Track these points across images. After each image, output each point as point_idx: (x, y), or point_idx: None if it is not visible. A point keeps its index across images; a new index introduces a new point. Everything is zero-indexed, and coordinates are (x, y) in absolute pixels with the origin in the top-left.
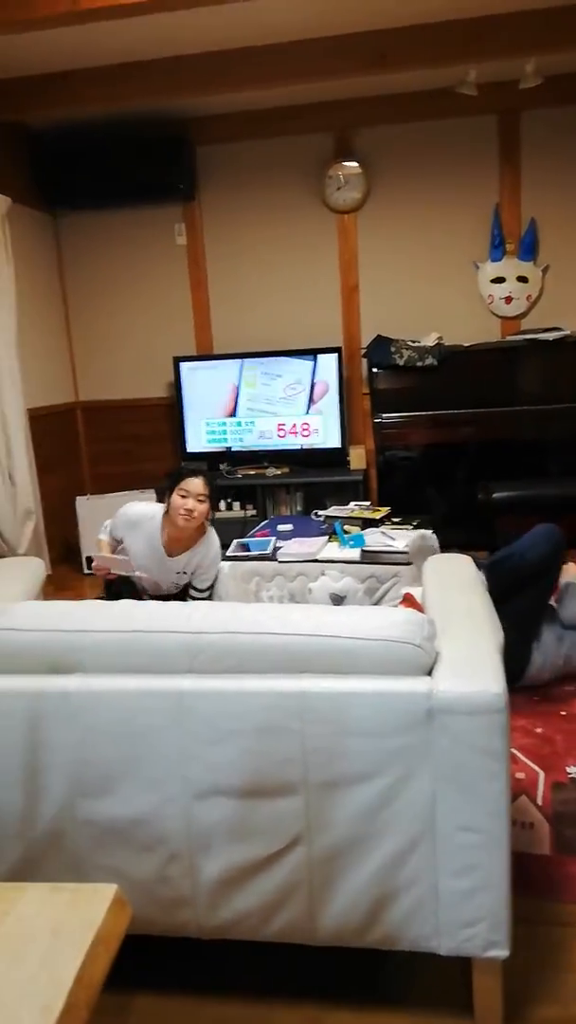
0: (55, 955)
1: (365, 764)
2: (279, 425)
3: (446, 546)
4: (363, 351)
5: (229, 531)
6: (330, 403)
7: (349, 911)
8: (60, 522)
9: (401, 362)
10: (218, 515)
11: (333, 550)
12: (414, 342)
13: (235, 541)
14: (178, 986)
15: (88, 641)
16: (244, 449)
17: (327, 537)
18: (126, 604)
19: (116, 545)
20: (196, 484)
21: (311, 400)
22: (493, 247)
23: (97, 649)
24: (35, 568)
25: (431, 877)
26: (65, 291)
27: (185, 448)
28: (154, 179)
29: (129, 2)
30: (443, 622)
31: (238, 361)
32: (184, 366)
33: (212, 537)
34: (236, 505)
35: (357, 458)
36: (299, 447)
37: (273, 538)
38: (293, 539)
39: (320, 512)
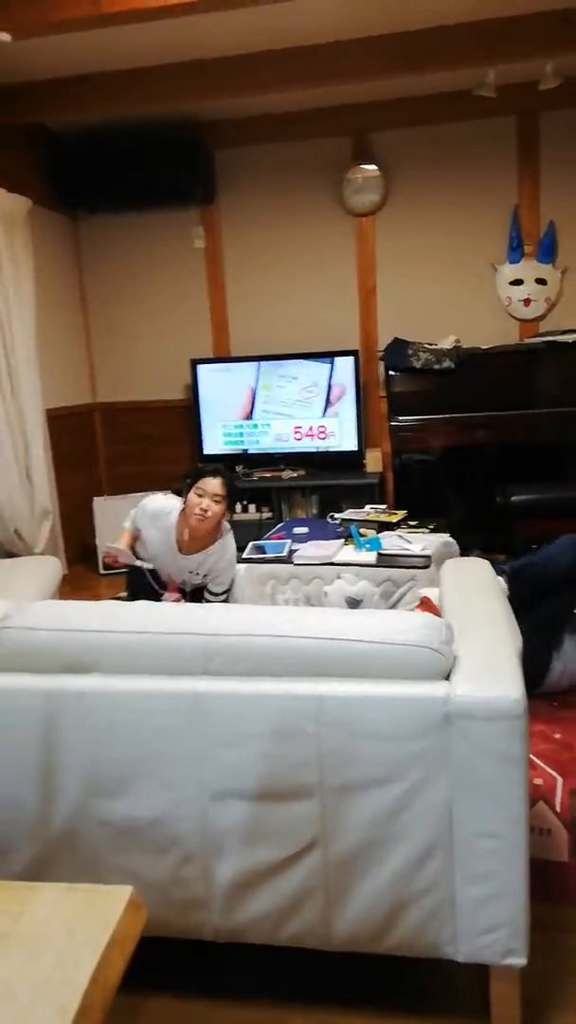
0: (70, 956)
1: (381, 769)
2: (295, 428)
3: (465, 549)
4: (380, 354)
5: (245, 533)
6: (347, 406)
7: (365, 916)
8: (77, 522)
9: (418, 365)
10: (233, 517)
11: (349, 553)
12: (431, 345)
13: (251, 543)
14: (191, 989)
15: (104, 641)
16: (260, 451)
17: (343, 540)
18: (142, 605)
19: (137, 535)
20: (213, 484)
21: (328, 403)
22: (511, 249)
23: (113, 650)
24: (52, 567)
25: (448, 883)
26: (84, 293)
27: (201, 450)
28: (173, 182)
29: (150, 6)
30: (461, 626)
31: (255, 363)
32: (201, 368)
33: (228, 541)
34: (252, 507)
35: (373, 461)
36: (315, 450)
37: (289, 541)
38: (309, 542)
39: (336, 515)
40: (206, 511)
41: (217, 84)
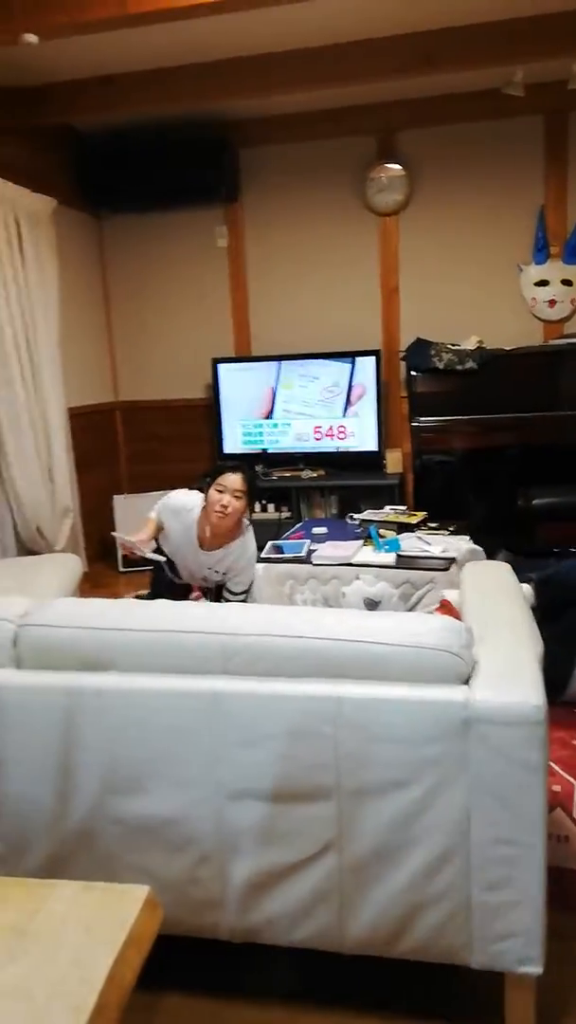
0: (87, 955)
1: (398, 772)
2: (315, 427)
3: (488, 552)
4: (402, 354)
5: (263, 533)
6: (367, 406)
7: (379, 920)
8: (97, 520)
9: (441, 365)
10: (252, 516)
11: (368, 554)
12: (454, 345)
13: (269, 543)
14: (207, 988)
15: (123, 639)
16: (280, 451)
17: (362, 541)
18: (162, 604)
19: (161, 527)
20: (233, 480)
21: (348, 403)
22: (537, 250)
23: (131, 648)
24: (72, 565)
25: (464, 889)
26: (107, 292)
27: (221, 449)
28: (197, 182)
29: (177, 5)
30: (481, 630)
31: (276, 363)
32: (222, 367)
33: (248, 539)
34: (271, 507)
35: (394, 462)
36: (335, 450)
37: (308, 541)
38: (328, 542)
39: (355, 515)
40: (226, 507)
41: (242, 83)
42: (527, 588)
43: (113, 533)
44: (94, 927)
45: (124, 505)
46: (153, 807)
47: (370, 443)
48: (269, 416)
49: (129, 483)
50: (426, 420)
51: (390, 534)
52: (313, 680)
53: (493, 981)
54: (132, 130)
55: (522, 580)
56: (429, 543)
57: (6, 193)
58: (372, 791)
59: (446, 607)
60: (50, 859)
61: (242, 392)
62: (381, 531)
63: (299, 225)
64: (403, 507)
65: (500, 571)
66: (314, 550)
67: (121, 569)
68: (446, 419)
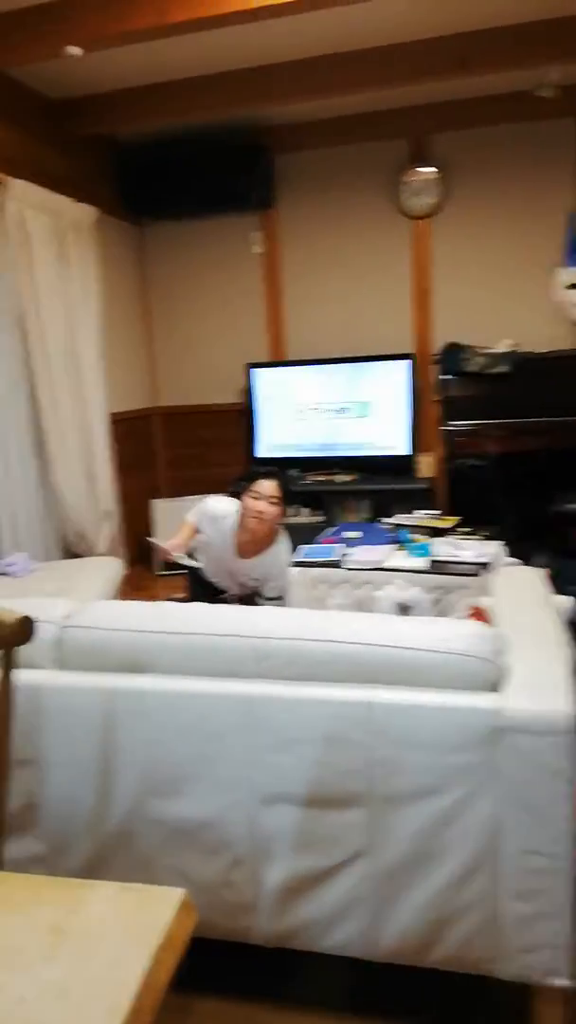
0: (123, 956)
1: (428, 779)
2: (349, 432)
3: (522, 558)
4: (435, 358)
5: (296, 536)
6: (400, 410)
7: (410, 929)
8: (136, 523)
9: (473, 369)
10: (285, 521)
11: (400, 559)
12: (487, 349)
13: (301, 546)
14: (241, 992)
15: (160, 642)
16: (313, 455)
17: (395, 545)
18: (197, 607)
19: (196, 532)
20: (268, 486)
21: (381, 407)
22: (570, 252)
23: (168, 650)
24: (113, 568)
25: (494, 899)
26: (147, 299)
27: (256, 453)
28: (233, 188)
29: (214, 14)
30: (513, 637)
31: (310, 367)
32: (257, 372)
33: (283, 546)
34: (304, 511)
35: (426, 466)
36: (368, 454)
37: (340, 545)
38: (360, 546)
39: (387, 520)
40: (262, 513)
41: (278, 89)
42: (568, 599)
43: (148, 538)
44: (130, 928)
45: (163, 509)
46: (189, 810)
47: (402, 447)
48: (303, 420)
49: (167, 487)
50: (458, 424)
51: (422, 539)
52: (345, 685)
53: (523, 993)
54: (170, 138)
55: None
56: (461, 548)
57: (50, 203)
58: (403, 798)
59: (478, 613)
60: (90, 859)
61: (277, 397)
62: (413, 536)
63: (333, 230)
64: (435, 511)
65: (532, 577)
66: (347, 554)
67: (159, 572)
68: (479, 423)
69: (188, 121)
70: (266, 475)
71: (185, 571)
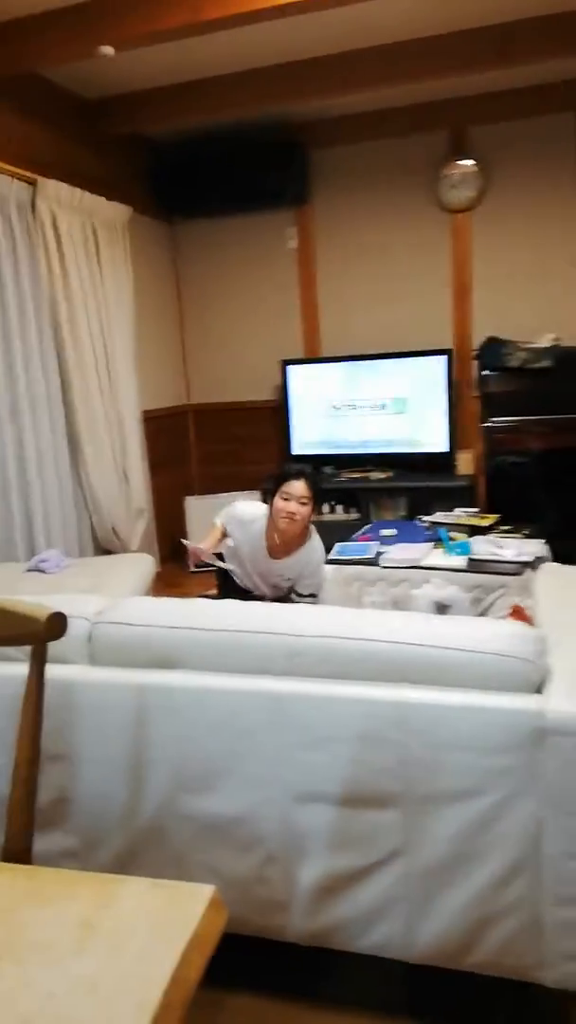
0: (152, 952)
1: (466, 781)
2: (385, 428)
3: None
4: (475, 353)
5: (331, 534)
6: (438, 406)
7: (448, 931)
8: (169, 520)
9: (515, 364)
10: (320, 518)
11: (438, 557)
12: (529, 343)
13: (337, 544)
14: (275, 990)
15: (191, 638)
16: (348, 452)
17: (432, 543)
18: (229, 604)
19: (225, 535)
20: (298, 487)
21: (419, 403)
22: None
23: (200, 646)
24: (145, 565)
25: (535, 904)
26: (180, 297)
27: (290, 450)
28: (268, 185)
29: (248, 9)
30: (556, 638)
31: (345, 363)
32: (291, 369)
33: (316, 543)
34: (339, 508)
35: (465, 463)
36: (404, 451)
37: (376, 543)
38: (396, 544)
39: (425, 517)
40: (293, 514)
41: (313, 84)
42: None
43: (182, 540)
44: (160, 924)
45: (195, 506)
46: (221, 805)
47: (441, 444)
48: (338, 417)
49: (200, 484)
50: (499, 420)
51: (461, 537)
52: (379, 684)
53: (564, 1000)
54: (203, 136)
55: None
56: (502, 547)
57: (84, 203)
58: (440, 799)
59: (518, 613)
60: (121, 854)
61: (311, 393)
62: (452, 534)
63: (369, 224)
64: (475, 509)
65: (575, 576)
66: (383, 552)
67: (192, 570)
68: (520, 419)
69: (221, 118)
70: (296, 475)
71: (214, 569)
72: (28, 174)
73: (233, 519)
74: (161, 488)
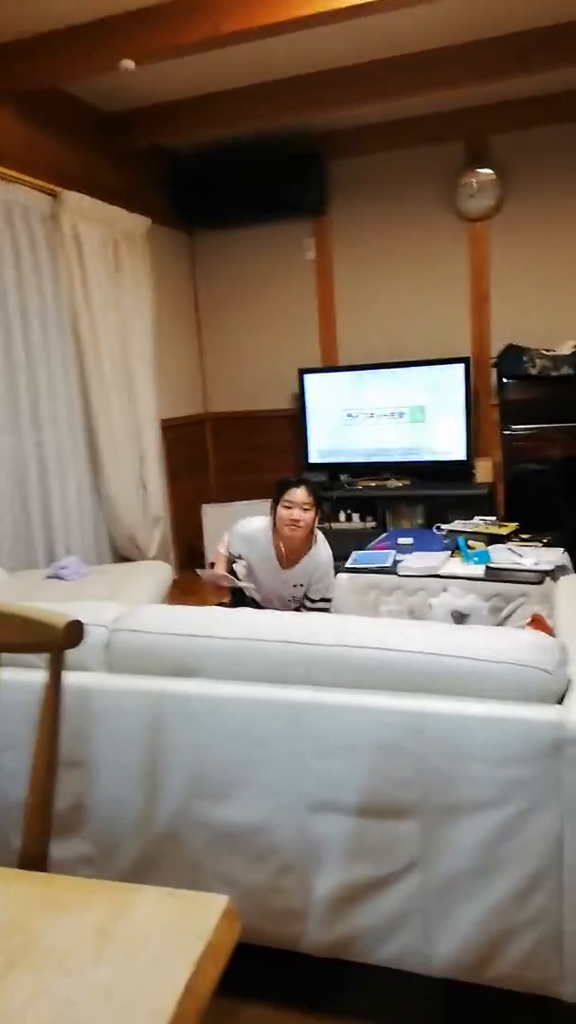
0: (166, 961)
1: (485, 792)
2: (402, 436)
3: None
4: (493, 361)
5: (347, 542)
6: (456, 414)
7: (466, 944)
8: (186, 528)
9: (535, 371)
10: (336, 526)
11: (456, 565)
12: (548, 351)
13: (353, 553)
14: (291, 1000)
15: (208, 646)
16: (365, 460)
17: (450, 552)
18: (246, 612)
19: (232, 560)
20: (299, 494)
21: (437, 411)
22: None
23: (216, 655)
24: (162, 572)
25: (555, 917)
26: (198, 307)
27: (307, 458)
28: (286, 196)
29: (267, 23)
30: None
31: (362, 372)
32: (308, 377)
33: (322, 546)
34: (355, 516)
35: (484, 471)
36: (422, 459)
37: (393, 551)
38: (414, 553)
39: (443, 526)
40: (297, 520)
41: (333, 96)
42: None
43: (197, 570)
44: (175, 934)
45: (212, 514)
46: (237, 814)
47: (459, 452)
48: (355, 425)
49: (218, 492)
50: (518, 428)
51: (480, 545)
52: (396, 693)
53: None
54: (222, 147)
55: None
56: (521, 555)
57: (104, 215)
58: (458, 810)
59: (538, 622)
60: (137, 862)
61: (328, 402)
62: (470, 542)
63: (387, 234)
64: (493, 518)
65: None
66: (400, 560)
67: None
68: (540, 427)
69: (240, 130)
70: (296, 483)
71: (232, 593)
72: (50, 186)
73: (237, 539)
74: (178, 496)
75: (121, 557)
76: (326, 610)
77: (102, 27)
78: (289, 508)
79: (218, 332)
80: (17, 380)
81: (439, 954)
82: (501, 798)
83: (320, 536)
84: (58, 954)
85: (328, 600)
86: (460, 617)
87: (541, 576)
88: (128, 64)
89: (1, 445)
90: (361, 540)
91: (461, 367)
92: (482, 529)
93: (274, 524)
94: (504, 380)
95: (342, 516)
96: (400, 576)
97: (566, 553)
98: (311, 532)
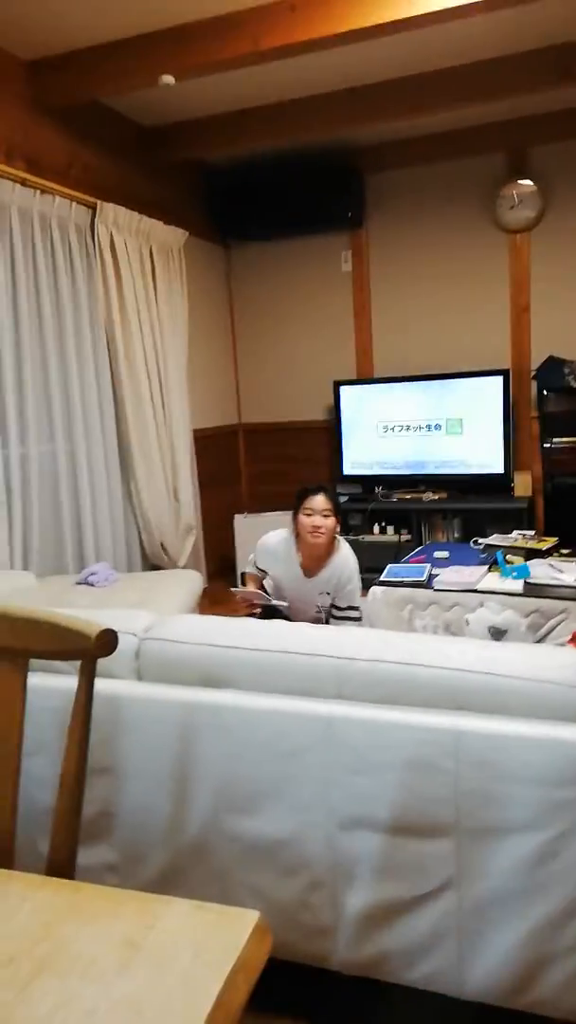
0: (196, 976)
1: (524, 814)
2: (439, 449)
3: None
4: (533, 373)
5: (383, 555)
6: (494, 427)
7: (501, 968)
8: (218, 538)
9: (575, 384)
10: (370, 539)
11: (493, 581)
12: None
13: (389, 566)
14: (318, 1018)
15: (240, 658)
16: (401, 473)
17: (487, 567)
18: (279, 624)
19: (262, 576)
20: (318, 501)
21: (475, 424)
22: None
23: (248, 667)
24: (193, 581)
25: None
26: (233, 318)
27: (342, 470)
28: (323, 208)
29: (306, 39)
30: None
31: (398, 384)
32: (344, 389)
33: (345, 549)
34: (390, 529)
35: (522, 484)
36: (459, 472)
37: (429, 565)
38: (450, 567)
39: (480, 540)
40: (319, 527)
41: (372, 110)
42: None
43: (232, 589)
44: (204, 948)
45: (244, 524)
46: (267, 827)
47: (496, 465)
48: (391, 438)
49: (250, 502)
50: (559, 441)
51: (518, 560)
52: (432, 710)
53: None
54: (258, 160)
55: None
56: (561, 570)
57: (142, 227)
58: (496, 831)
59: None
60: (164, 871)
61: (364, 414)
62: (508, 557)
63: (425, 246)
64: (532, 532)
65: None
66: (435, 575)
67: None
68: None
69: (277, 144)
70: (315, 490)
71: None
72: (88, 198)
73: (262, 555)
74: (210, 506)
75: (152, 565)
76: (355, 619)
77: (143, 43)
78: (310, 515)
79: (253, 343)
80: (52, 388)
81: (472, 978)
82: (541, 820)
83: (343, 542)
84: (84, 963)
85: (356, 608)
86: (498, 633)
87: None
88: (168, 79)
89: (35, 452)
90: (396, 553)
91: (500, 379)
92: (521, 543)
93: (297, 533)
94: (544, 392)
95: (376, 529)
96: (436, 591)
97: None
98: (333, 538)
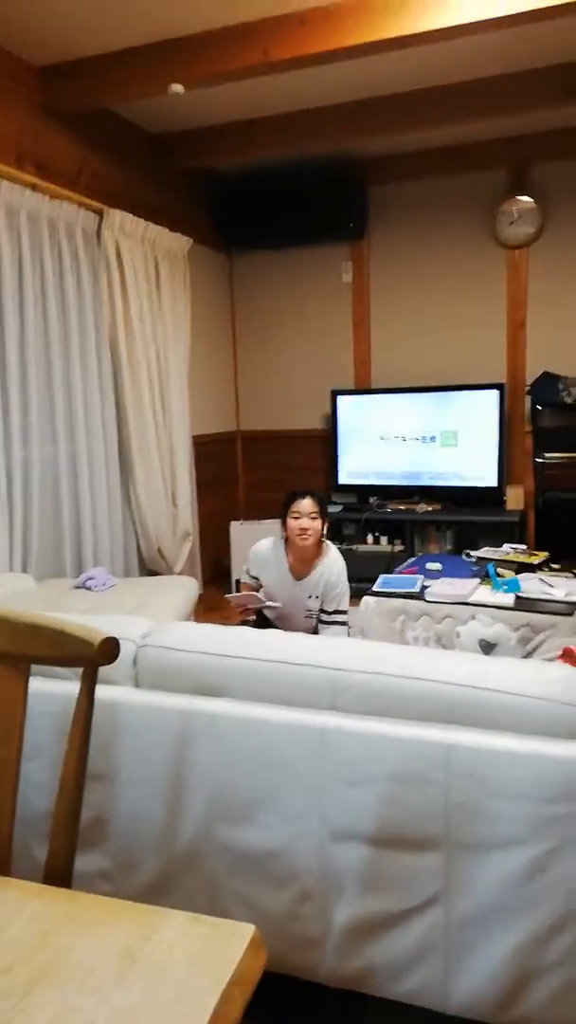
0: (193, 988)
1: (514, 828)
2: (434, 461)
3: None
4: (528, 388)
5: (375, 565)
6: (489, 440)
7: (486, 984)
8: (214, 544)
9: (570, 400)
10: (363, 548)
11: (485, 594)
12: None
13: (381, 576)
14: None
15: (236, 667)
16: (395, 483)
17: (479, 579)
18: (274, 634)
19: (257, 586)
20: (305, 504)
21: (469, 437)
22: None
23: (244, 675)
24: (189, 588)
25: None
26: (234, 326)
27: (337, 479)
28: (325, 219)
29: (316, 51)
30: None
31: (395, 395)
32: (341, 399)
33: (333, 552)
34: (383, 539)
35: (515, 498)
36: (453, 484)
37: (421, 576)
38: (442, 579)
39: (472, 552)
40: (306, 529)
41: (376, 123)
42: None
43: (226, 596)
44: (200, 961)
45: (240, 531)
46: (258, 837)
47: (490, 478)
48: (386, 448)
49: (246, 509)
50: (551, 456)
51: (509, 574)
52: (423, 724)
53: None
54: (263, 170)
55: None
56: (552, 585)
57: (147, 233)
58: (485, 846)
59: (569, 655)
60: (156, 879)
61: (360, 424)
62: (499, 570)
63: (424, 259)
64: (523, 546)
65: None
66: (428, 586)
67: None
68: (572, 455)
69: (283, 155)
70: (302, 494)
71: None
72: (95, 204)
73: (254, 562)
74: (207, 512)
75: (149, 570)
76: (343, 623)
77: (154, 52)
78: (298, 518)
79: (253, 351)
80: (55, 391)
81: (458, 992)
82: (530, 835)
83: (331, 546)
84: (82, 973)
85: (343, 612)
86: (488, 647)
87: (571, 608)
88: (177, 88)
89: (36, 455)
90: (389, 563)
91: (496, 393)
92: (512, 557)
93: (285, 537)
94: (538, 407)
95: (369, 538)
96: (428, 602)
97: None
98: (320, 541)
